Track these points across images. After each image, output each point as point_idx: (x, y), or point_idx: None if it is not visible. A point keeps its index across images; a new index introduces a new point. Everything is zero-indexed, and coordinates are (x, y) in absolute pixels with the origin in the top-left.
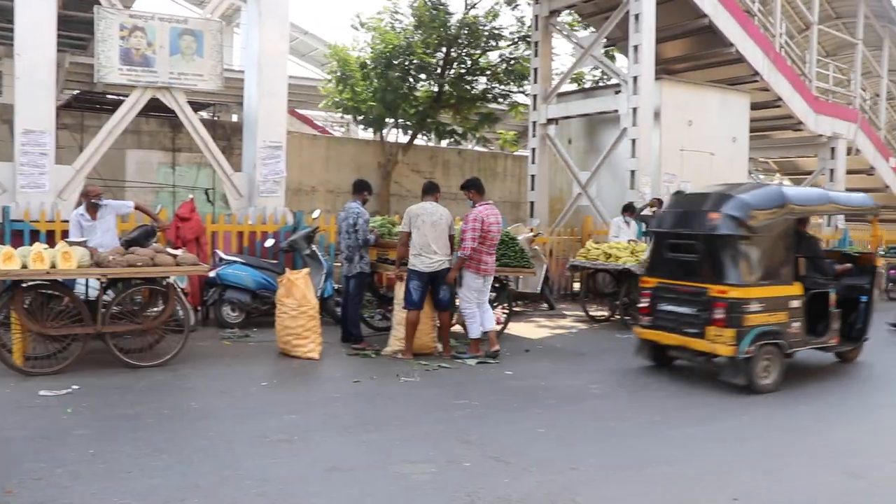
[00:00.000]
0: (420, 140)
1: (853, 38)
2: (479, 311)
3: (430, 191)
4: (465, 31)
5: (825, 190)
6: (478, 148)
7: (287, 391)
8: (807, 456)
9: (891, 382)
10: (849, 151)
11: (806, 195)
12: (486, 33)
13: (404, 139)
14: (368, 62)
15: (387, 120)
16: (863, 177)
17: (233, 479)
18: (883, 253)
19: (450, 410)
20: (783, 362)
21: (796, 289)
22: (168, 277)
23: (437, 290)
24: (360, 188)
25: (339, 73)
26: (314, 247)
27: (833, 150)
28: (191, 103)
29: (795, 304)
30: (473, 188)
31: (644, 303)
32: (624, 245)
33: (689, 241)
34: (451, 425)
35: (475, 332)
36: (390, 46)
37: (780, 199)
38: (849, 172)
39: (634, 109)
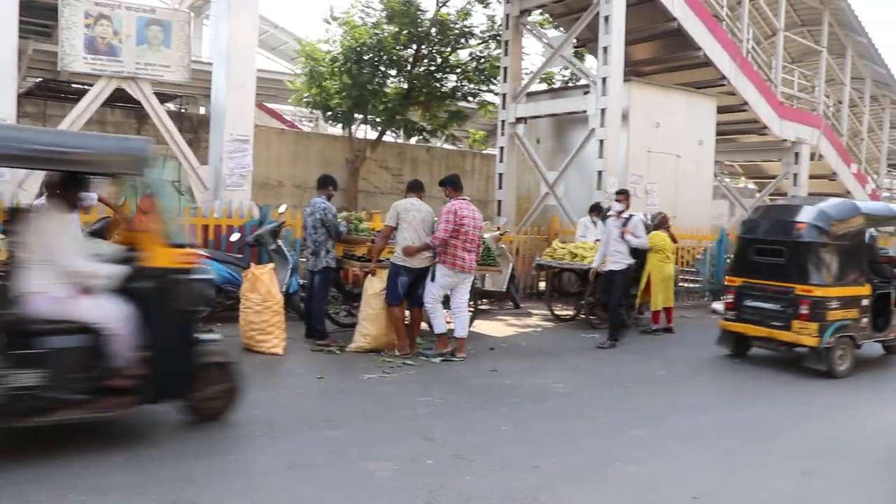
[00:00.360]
0: (389, 137)
1: (818, 46)
2: (442, 311)
3: (416, 188)
4: (437, 29)
5: (889, 204)
6: (446, 146)
7: (249, 387)
8: (767, 455)
9: (857, 382)
10: (812, 157)
11: (875, 208)
12: (457, 31)
13: (373, 135)
14: (339, 57)
15: (355, 116)
16: (825, 182)
17: (192, 476)
18: None
19: (413, 408)
20: (854, 352)
21: (867, 289)
22: None
23: (417, 286)
24: (325, 183)
25: (308, 70)
26: (280, 242)
27: (797, 154)
28: (157, 94)
29: (865, 302)
30: (451, 185)
31: (729, 299)
32: (590, 245)
33: (775, 246)
34: (415, 423)
35: (440, 328)
36: (361, 41)
37: (855, 211)
38: (811, 177)
39: (603, 110)
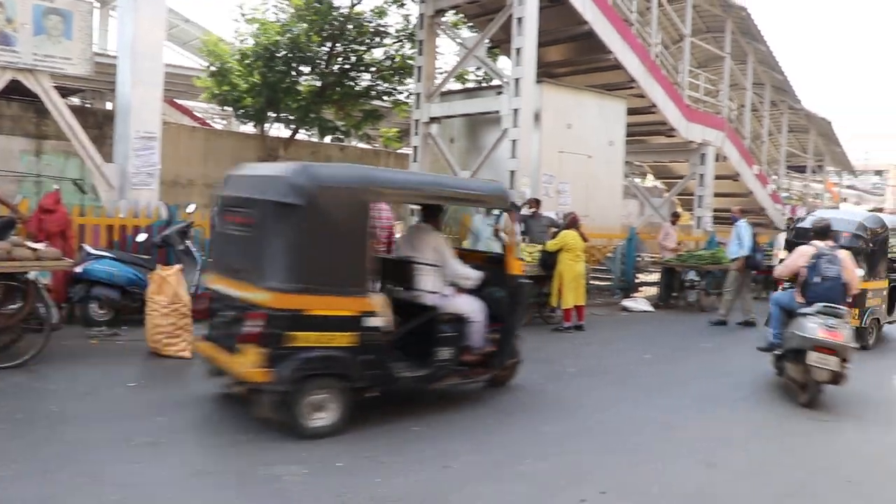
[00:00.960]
0: (302, 135)
1: (722, 52)
2: None
3: None
4: (351, 27)
5: None
6: (361, 145)
7: (156, 392)
8: (668, 448)
9: (750, 376)
10: (717, 158)
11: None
12: (372, 30)
13: (286, 134)
14: (249, 54)
15: (268, 114)
16: (729, 182)
17: (91, 487)
18: None
19: None
20: (880, 331)
21: (886, 283)
22: (27, 273)
23: None
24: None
25: (214, 67)
26: (188, 242)
27: (703, 156)
28: (60, 88)
29: (885, 293)
30: None
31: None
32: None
33: None
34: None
35: None
36: (273, 39)
37: (882, 223)
38: (716, 178)
39: (515, 111)
